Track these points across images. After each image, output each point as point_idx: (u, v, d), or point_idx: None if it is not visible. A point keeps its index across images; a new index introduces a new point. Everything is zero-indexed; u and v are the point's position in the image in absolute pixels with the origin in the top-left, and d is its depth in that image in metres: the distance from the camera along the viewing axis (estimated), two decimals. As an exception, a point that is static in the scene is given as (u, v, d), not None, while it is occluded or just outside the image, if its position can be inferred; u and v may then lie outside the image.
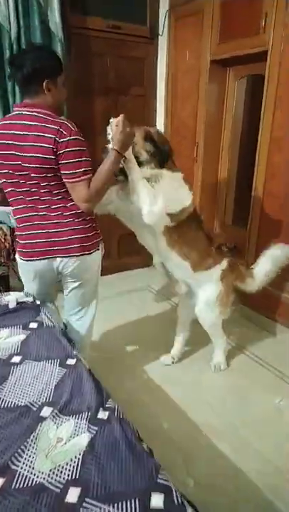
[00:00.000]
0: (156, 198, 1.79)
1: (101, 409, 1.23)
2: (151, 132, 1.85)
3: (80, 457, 1.07)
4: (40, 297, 1.93)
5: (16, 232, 1.77)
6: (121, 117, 1.60)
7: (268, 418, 2.02)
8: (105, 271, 3.63)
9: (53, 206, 1.63)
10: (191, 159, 3.21)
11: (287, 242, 2.43)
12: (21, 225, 1.71)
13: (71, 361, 1.48)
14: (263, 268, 2.21)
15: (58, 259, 1.72)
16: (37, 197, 1.62)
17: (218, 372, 2.35)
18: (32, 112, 1.53)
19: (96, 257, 1.81)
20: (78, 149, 1.51)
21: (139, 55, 3.32)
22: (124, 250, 3.78)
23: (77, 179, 1.53)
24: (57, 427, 1.17)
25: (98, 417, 1.20)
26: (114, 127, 1.59)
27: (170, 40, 3.27)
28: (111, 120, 1.65)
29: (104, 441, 1.11)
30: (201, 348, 2.58)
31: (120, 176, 1.79)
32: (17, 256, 1.82)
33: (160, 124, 3.55)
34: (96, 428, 1.16)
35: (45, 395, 1.31)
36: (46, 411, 1.23)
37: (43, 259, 1.72)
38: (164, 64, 3.36)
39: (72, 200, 1.62)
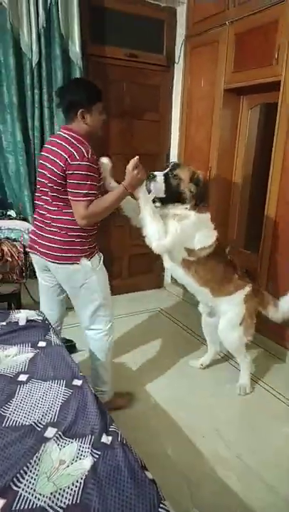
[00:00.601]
0: (166, 233, 1.94)
1: (104, 433, 1.22)
2: (199, 175, 2.02)
3: (82, 481, 1.06)
4: (47, 303, 2.16)
5: None
6: (133, 161, 1.80)
7: (276, 448, 1.97)
8: (116, 291, 3.69)
9: (47, 214, 1.85)
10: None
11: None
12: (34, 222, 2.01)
13: (77, 382, 1.49)
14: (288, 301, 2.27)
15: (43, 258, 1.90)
16: (42, 203, 1.88)
17: (228, 398, 2.33)
18: (65, 133, 1.80)
19: (71, 271, 1.86)
20: (85, 174, 1.70)
21: (155, 83, 3.42)
22: (135, 270, 3.80)
23: (77, 198, 1.72)
24: (60, 449, 1.17)
25: (101, 441, 1.19)
26: (128, 166, 1.80)
27: (186, 68, 3.37)
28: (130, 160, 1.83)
29: (107, 466, 1.11)
30: (213, 372, 2.57)
31: (157, 202, 1.99)
32: None
33: (174, 148, 3.62)
34: (99, 452, 1.15)
35: (50, 415, 1.32)
36: (50, 432, 1.24)
37: (31, 252, 1.99)
38: (180, 91, 3.45)
39: (64, 215, 1.80)
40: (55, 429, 1.24)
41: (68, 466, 1.11)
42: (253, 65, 2.71)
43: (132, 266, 3.78)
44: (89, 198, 1.72)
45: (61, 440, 1.20)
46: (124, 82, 3.27)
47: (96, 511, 0.98)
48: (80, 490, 1.04)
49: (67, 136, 1.77)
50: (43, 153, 1.86)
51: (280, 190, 2.61)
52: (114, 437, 1.21)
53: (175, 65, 3.44)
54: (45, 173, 1.79)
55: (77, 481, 1.06)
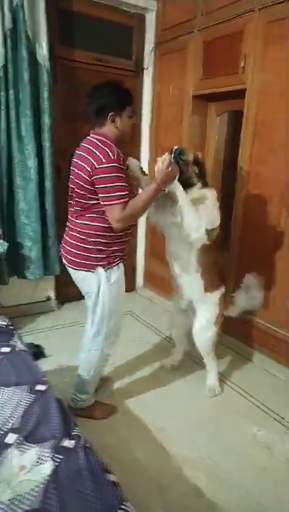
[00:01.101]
0: (200, 221, 1.97)
1: (67, 437, 1.20)
2: (199, 155, 2.05)
3: (43, 487, 1.04)
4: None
5: None
6: (166, 159, 1.77)
7: (245, 448, 1.99)
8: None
9: (73, 219, 1.88)
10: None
11: (264, 270, 2.52)
12: None
13: (40, 387, 1.46)
14: (240, 296, 2.36)
15: None
16: (71, 208, 1.90)
17: (198, 400, 2.34)
18: (93, 138, 1.79)
19: (84, 276, 1.86)
20: (114, 175, 1.67)
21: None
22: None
23: (111, 202, 1.68)
24: (21, 455, 1.15)
25: (63, 445, 1.18)
26: (160, 164, 1.76)
27: (155, 75, 3.41)
28: (158, 158, 1.82)
29: (68, 470, 1.09)
30: (182, 374, 2.57)
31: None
32: None
33: (145, 153, 3.65)
34: (61, 457, 1.13)
35: (12, 421, 1.29)
36: (11, 438, 1.21)
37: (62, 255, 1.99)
38: (149, 96, 3.49)
39: (86, 219, 1.79)
40: (16, 435, 1.21)
41: (29, 472, 1.09)
42: (220, 72, 2.77)
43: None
44: (123, 200, 1.68)
45: (22, 446, 1.18)
46: (94, 86, 3.27)
47: (56, 517, 0.96)
48: (41, 495, 1.01)
49: (94, 140, 1.76)
50: (73, 159, 1.83)
51: (246, 195, 2.67)
52: (77, 441, 1.19)
53: (144, 70, 3.48)
54: (73, 178, 1.78)
55: (37, 487, 1.04)
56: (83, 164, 1.71)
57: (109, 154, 1.67)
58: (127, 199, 1.70)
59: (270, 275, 2.56)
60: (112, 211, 1.70)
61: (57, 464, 1.11)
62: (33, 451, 1.15)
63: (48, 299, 3.37)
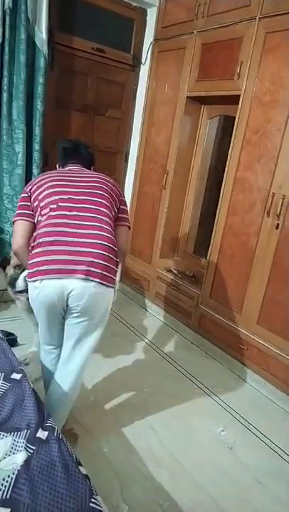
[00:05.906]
0: None
1: (40, 428, 1.21)
2: None
3: (14, 477, 1.05)
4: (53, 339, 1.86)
5: None
6: None
7: (208, 447, 2.04)
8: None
9: (100, 232, 1.68)
10: (160, 186, 3.31)
11: (241, 275, 2.57)
12: None
13: (16, 376, 1.46)
14: None
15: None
16: (96, 215, 1.74)
17: (164, 395, 2.37)
18: (88, 169, 2.01)
19: (110, 293, 1.67)
20: (125, 201, 1.95)
21: (120, 80, 3.42)
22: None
23: (128, 223, 1.92)
24: (-6, 444, 1.15)
25: (37, 435, 1.18)
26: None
27: (151, 71, 3.39)
28: None
29: (41, 461, 1.10)
30: (148, 365, 2.62)
31: None
32: None
33: (134, 147, 3.64)
34: (34, 447, 1.14)
35: (-15, 409, 1.28)
36: (-16, 426, 1.21)
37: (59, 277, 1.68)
38: (144, 92, 3.47)
39: (113, 234, 1.73)
40: (-10, 423, 1.21)
41: (1, 461, 1.09)
42: (216, 76, 2.79)
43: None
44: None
45: (-5, 434, 1.18)
46: (89, 76, 3.24)
47: (26, 507, 0.97)
48: (11, 485, 1.02)
49: (96, 173, 1.94)
50: (88, 176, 1.84)
51: (231, 200, 2.71)
52: (51, 432, 1.20)
53: (141, 66, 3.46)
54: (94, 199, 1.70)
55: (8, 476, 1.05)
56: (111, 186, 1.84)
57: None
58: None
59: (246, 280, 2.62)
60: (126, 232, 1.91)
61: (29, 454, 1.12)
62: (6, 441, 1.16)
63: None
